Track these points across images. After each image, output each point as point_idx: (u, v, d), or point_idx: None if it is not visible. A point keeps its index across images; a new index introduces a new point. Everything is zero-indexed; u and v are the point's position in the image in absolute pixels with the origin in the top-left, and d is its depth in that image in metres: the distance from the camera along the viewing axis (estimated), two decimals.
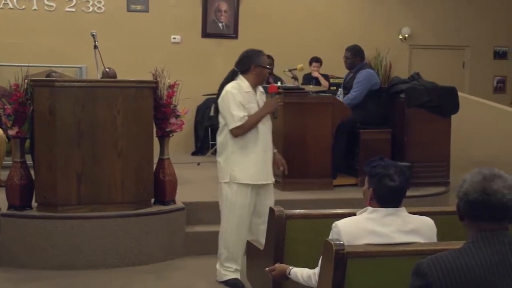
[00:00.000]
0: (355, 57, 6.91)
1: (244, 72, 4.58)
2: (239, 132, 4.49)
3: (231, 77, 4.62)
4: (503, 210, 2.09)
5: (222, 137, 4.63)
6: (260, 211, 4.61)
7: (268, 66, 4.78)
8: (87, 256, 5.14)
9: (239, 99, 4.49)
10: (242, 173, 4.56)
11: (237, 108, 4.46)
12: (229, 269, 4.72)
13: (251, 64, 4.56)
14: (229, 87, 4.53)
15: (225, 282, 4.73)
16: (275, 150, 4.86)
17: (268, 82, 8.33)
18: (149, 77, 5.53)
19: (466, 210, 2.11)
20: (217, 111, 4.70)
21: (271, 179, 4.75)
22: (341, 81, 7.71)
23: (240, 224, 4.64)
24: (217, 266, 4.83)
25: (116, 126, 5.24)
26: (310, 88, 7.27)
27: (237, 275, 4.70)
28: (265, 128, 4.63)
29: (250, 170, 4.57)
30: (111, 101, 5.23)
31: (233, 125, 4.48)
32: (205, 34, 9.73)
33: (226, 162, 4.60)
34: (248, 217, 4.66)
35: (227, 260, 4.71)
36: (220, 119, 4.65)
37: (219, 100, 4.58)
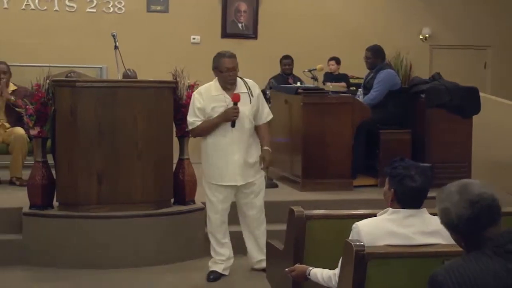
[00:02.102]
0: (375, 57, 6.86)
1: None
2: (192, 134, 4.99)
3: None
4: (496, 206, 2.08)
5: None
6: (244, 210, 5.00)
7: (226, 70, 4.77)
8: (107, 255, 5.17)
9: (198, 104, 4.73)
10: (209, 175, 4.88)
11: (192, 113, 4.76)
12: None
13: (213, 69, 4.82)
14: (198, 89, 4.88)
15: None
16: (266, 147, 4.88)
17: (288, 83, 8.34)
18: (169, 78, 5.55)
19: (469, 229, 2.07)
20: None
21: (241, 181, 4.84)
22: (361, 81, 7.67)
23: (216, 220, 4.93)
24: None
25: (136, 126, 5.26)
26: (330, 88, 7.24)
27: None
28: (237, 132, 4.73)
29: (212, 171, 4.85)
30: (131, 101, 5.25)
31: (188, 127, 4.89)
32: (225, 35, 9.73)
33: (202, 162, 4.93)
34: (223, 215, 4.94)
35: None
36: None
37: None
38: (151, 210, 5.33)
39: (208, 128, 4.75)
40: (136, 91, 5.31)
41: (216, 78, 4.82)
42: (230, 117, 4.71)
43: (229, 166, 4.78)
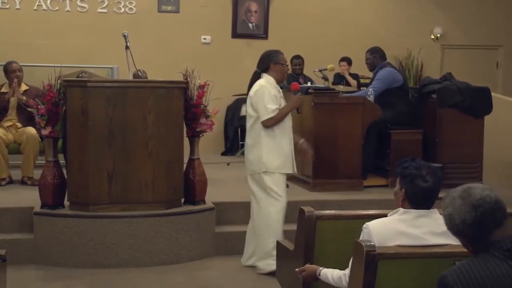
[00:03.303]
0: (373, 56, 6.89)
1: (265, 71, 4.96)
2: (270, 123, 4.81)
3: (255, 77, 5.00)
4: (500, 209, 2.06)
5: (255, 130, 4.90)
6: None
7: (286, 64, 5.08)
8: (117, 254, 5.19)
9: (273, 92, 4.85)
10: (274, 163, 4.86)
11: (271, 101, 4.80)
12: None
13: (270, 63, 4.95)
14: (262, 81, 4.89)
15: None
16: (302, 140, 5.26)
17: (299, 82, 8.33)
18: (180, 78, 5.56)
19: (474, 232, 2.06)
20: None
21: (295, 170, 5.06)
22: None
23: (282, 213, 4.93)
24: (259, 262, 4.98)
25: (147, 126, 5.27)
26: (340, 88, 7.24)
27: None
28: (289, 123, 4.98)
29: (278, 160, 4.87)
30: (142, 101, 5.27)
31: (265, 116, 4.80)
32: (235, 35, 9.74)
33: (259, 153, 4.87)
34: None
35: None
36: (251, 113, 4.90)
37: (252, 94, 4.89)
38: (161, 210, 5.34)
39: (282, 116, 4.87)
40: (147, 91, 5.32)
41: (264, 75, 4.95)
42: (298, 103, 4.99)
43: (291, 154, 4.97)
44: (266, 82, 4.87)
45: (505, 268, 1.98)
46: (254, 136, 4.91)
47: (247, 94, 5.01)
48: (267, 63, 4.96)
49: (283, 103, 4.95)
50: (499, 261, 2.00)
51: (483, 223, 2.05)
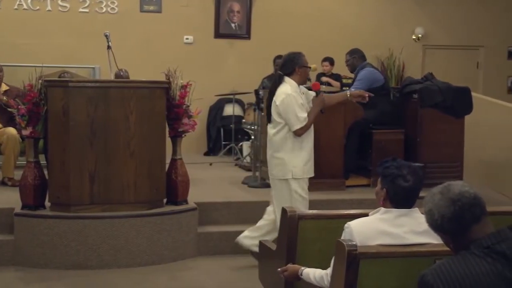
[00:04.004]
0: (353, 57, 6.94)
1: (289, 74, 4.84)
2: (302, 132, 4.77)
3: (278, 81, 4.87)
4: (478, 204, 2.08)
5: (281, 136, 4.82)
6: None
7: (309, 66, 5.01)
8: (99, 255, 5.16)
9: (300, 101, 4.79)
10: (300, 170, 4.83)
11: (300, 110, 4.74)
12: None
13: (295, 66, 4.83)
14: (288, 90, 4.77)
15: None
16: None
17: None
18: (162, 78, 5.55)
19: (453, 228, 2.08)
20: (269, 112, 4.90)
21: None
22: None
23: None
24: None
25: (129, 126, 5.25)
26: (323, 88, 7.25)
27: None
28: (312, 126, 4.92)
29: (306, 166, 4.86)
30: (124, 101, 5.25)
31: (298, 125, 4.73)
32: (218, 35, 9.74)
33: (285, 160, 4.81)
34: None
35: None
36: (278, 120, 4.81)
37: (278, 103, 4.75)
38: (143, 210, 5.33)
39: (312, 122, 4.84)
40: (129, 91, 5.30)
41: (288, 78, 4.83)
42: (323, 103, 4.90)
43: (311, 158, 4.94)
44: (292, 90, 4.77)
45: (484, 265, 2.00)
46: (280, 141, 4.83)
47: (269, 98, 4.88)
48: (292, 66, 4.84)
49: (308, 107, 4.90)
50: (478, 258, 2.01)
51: (462, 217, 2.07)
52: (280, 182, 4.86)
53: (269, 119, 4.91)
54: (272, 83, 4.97)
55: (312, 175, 4.96)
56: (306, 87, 5.07)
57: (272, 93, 4.86)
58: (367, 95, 5.16)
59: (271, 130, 4.88)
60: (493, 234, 2.05)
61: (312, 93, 4.96)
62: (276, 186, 4.90)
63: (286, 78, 4.82)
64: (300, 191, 4.84)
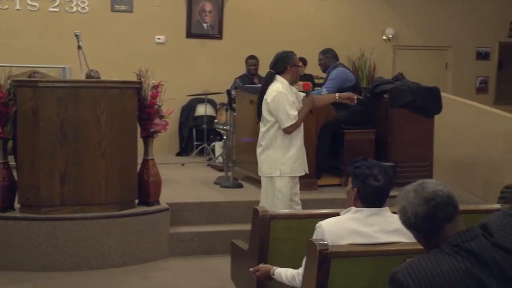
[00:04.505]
0: (326, 57, 6.98)
1: (281, 72, 4.87)
2: (292, 129, 4.81)
3: (270, 79, 4.88)
4: (452, 204, 2.11)
5: (271, 134, 4.85)
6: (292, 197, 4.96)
7: (300, 65, 5.11)
8: (70, 257, 5.11)
9: (291, 99, 4.82)
10: (289, 167, 4.84)
11: (291, 108, 4.78)
12: None
13: (287, 65, 4.87)
14: (279, 88, 4.79)
15: None
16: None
17: (253, 83, 8.36)
18: (133, 78, 5.51)
19: (427, 226, 2.11)
20: (259, 110, 4.92)
21: (306, 169, 5.05)
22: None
23: None
24: None
25: (100, 126, 5.22)
26: (295, 88, 7.27)
27: None
28: (302, 124, 4.96)
29: (295, 164, 4.87)
30: (94, 101, 5.21)
31: (288, 123, 4.77)
32: (190, 35, 9.70)
33: (274, 157, 4.85)
34: None
35: None
36: (268, 118, 4.83)
37: (269, 101, 4.78)
38: (115, 211, 5.29)
39: (302, 120, 4.88)
40: (100, 92, 5.26)
41: (279, 77, 4.85)
42: (313, 103, 4.95)
43: (304, 154, 4.98)
44: (283, 88, 4.80)
45: (453, 263, 2.02)
46: (269, 139, 4.86)
47: (260, 96, 4.89)
48: (284, 65, 4.86)
49: (299, 106, 4.93)
50: (448, 256, 2.04)
51: (435, 216, 2.08)
52: (267, 180, 4.89)
53: (259, 117, 4.94)
54: (264, 81, 4.99)
55: (302, 173, 4.99)
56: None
57: (263, 91, 4.88)
58: (355, 97, 5.21)
59: (262, 127, 4.91)
60: (463, 233, 2.08)
61: (302, 94, 4.99)
62: (263, 183, 4.94)
63: (278, 77, 4.85)
64: (284, 190, 4.84)
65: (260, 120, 4.95)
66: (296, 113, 4.79)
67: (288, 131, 4.79)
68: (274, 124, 4.82)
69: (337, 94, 5.27)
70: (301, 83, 5.15)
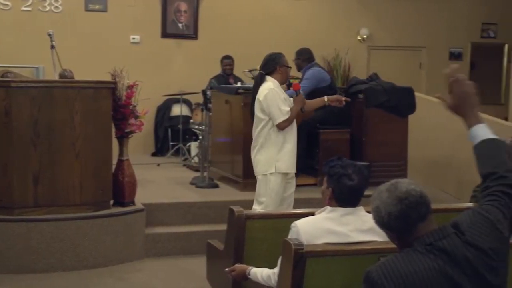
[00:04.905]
0: (300, 58, 7.00)
1: (271, 73, 4.95)
2: (286, 124, 4.86)
3: (260, 79, 4.97)
4: (424, 203, 2.13)
5: (264, 133, 4.89)
6: (287, 198, 5.00)
7: (289, 66, 5.12)
8: (44, 259, 5.07)
9: (283, 95, 4.92)
10: (284, 164, 4.88)
11: (283, 104, 4.85)
12: None
13: (276, 66, 4.96)
14: (270, 85, 4.88)
15: None
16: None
17: (229, 83, 8.36)
18: (108, 78, 5.48)
19: (400, 225, 2.13)
20: (253, 111, 4.96)
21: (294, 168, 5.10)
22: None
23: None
24: None
25: (74, 127, 5.18)
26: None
27: None
28: (294, 122, 5.03)
29: (290, 160, 4.91)
30: (68, 101, 5.17)
31: (281, 118, 4.83)
32: (165, 35, 9.66)
33: (269, 155, 4.88)
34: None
35: None
36: (261, 117, 4.88)
37: (261, 99, 4.84)
38: (89, 212, 5.25)
39: (294, 116, 4.93)
40: (73, 92, 5.22)
41: (269, 77, 4.93)
42: (303, 102, 5.01)
43: (295, 153, 5.02)
44: (274, 85, 4.88)
45: (426, 262, 2.05)
46: (264, 137, 4.89)
47: (252, 97, 4.94)
48: (274, 65, 4.95)
49: (290, 104, 4.98)
50: (421, 255, 2.06)
51: (408, 216, 2.11)
52: (262, 178, 4.91)
53: (253, 118, 5.00)
54: (254, 82, 5.07)
55: (295, 171, 5.01)
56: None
57: (255, 92, 4.95)
58: (343, 99, 5.28)
59: (256, 127, 4.96)
60: (435, 231, 2.10)
61: (293, 94, 5.06)
62: (259, 183, 4.95)
63: (268, 77, 4.93)
64: (277, 188, 4.87)
65: (253, 121, 5.00)
66: (288, 108, 4.86)
67: (282, 126, 4.85)
68: (268, 123, 4.88)
69: (326, 98, 5.30)
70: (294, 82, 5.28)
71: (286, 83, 5.15)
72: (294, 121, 4.97)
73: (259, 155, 4.91)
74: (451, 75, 2.25)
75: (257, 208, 4.86)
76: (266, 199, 4.85)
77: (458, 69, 2.26)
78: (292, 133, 4.96)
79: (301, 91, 5.08)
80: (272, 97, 4.81)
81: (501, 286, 2.08)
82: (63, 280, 4.93)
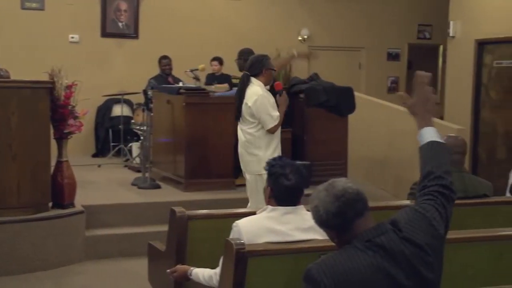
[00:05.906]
0: (242, 58, 7.02)
1: (256, 75, 5.05)
2: (276, 129, 5.03)
3: (246, 81, 5.06)
4: (361, 200, 2.19)
5: (255, 134, 5.00)
6: None
7: (274, 68, 5.23)
8: None
9: (272, 100, 5.03)
10: None
11: (273, 109, 4.99)
12: None
13: (263, 68, 5.06)
14: (259, 91, 4.98)
15: None
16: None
17: (168, 83, 8.31)
18: (46, 78, 5.37)
19: (338, 223, 2.17)
20: (239, 111, 5.04)
21: None
22: None
23: None
24: None
25: (11, 127, 5.06)
26: (213, 88, 7.30)
27: None
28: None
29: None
30: (5, 102, 5.05)
31: (272, 124, 4.98)
32: (105, 34, 9.53)
33: (260, 155, 4.96)
34: None
35: None
36: (250, 119, 4.99)
37: (251, 104, 4.93)
38: (27, 215, 5.15)
39: (282, 119, 5.05)
40: (10, 92, 5.10)
41: (254, 79, 5.01)
42: (287, 104, 5.13)
43: (280, 148, 5.11)
44: (262, 90, 4.99)
45: (365, 258, 2.09)
46: (254, 139, 5.00)
47: (239, 99, 5.01)
48: (260, 68, 5.05)
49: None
50: (360, 252, 2.10)
51: (345, 212, 2.15)
52: (255, 177, 4.98)
53: (238, 117, 5.07)
54: (240, 83, 5.13)
55: None
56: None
57: (241, 93, 5.03)
58: (311, 53, 5.44)
59: (244, 128, 5.03)
60: (374, 228, 2.15)
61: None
62: (252, 181, 5.04)
63: (253, 79, 5.02)
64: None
65: (238, 121, 5.10)
66: (277, 113, 4.99)
67: (273, 130, 5.00)
68: (257, 125, 4.99)
69: (295, 51, 5.59)
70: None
71: (270, 84, 5.21)
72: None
73: (250, 156, 5.03)
74: (421, 79, 2.34)
75: (254, 206, 4.91)
76: (259, 196, 4.86)
77: (428, 77, 2.35)
78: (277, 134, 5.09)
79: (284, 92, 5.18)
80: (262, 103, 4.93)
81: (435, 281, 2.15)
82: (1, 285, 4.81)
